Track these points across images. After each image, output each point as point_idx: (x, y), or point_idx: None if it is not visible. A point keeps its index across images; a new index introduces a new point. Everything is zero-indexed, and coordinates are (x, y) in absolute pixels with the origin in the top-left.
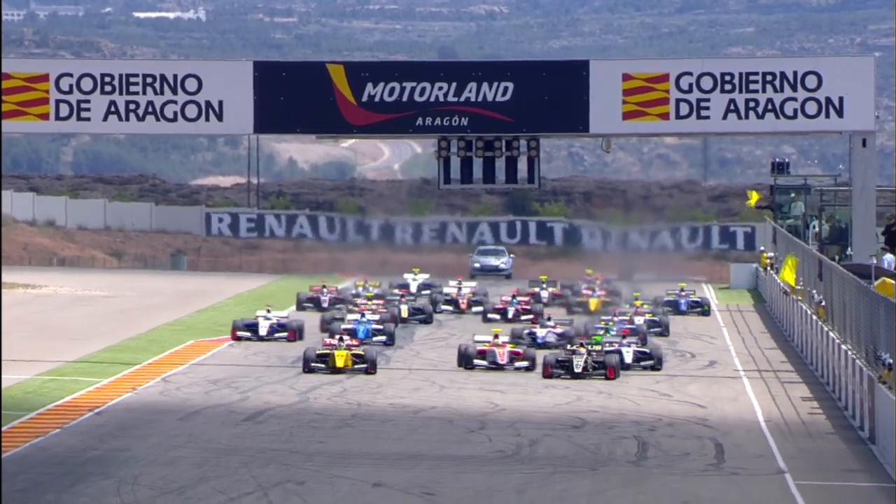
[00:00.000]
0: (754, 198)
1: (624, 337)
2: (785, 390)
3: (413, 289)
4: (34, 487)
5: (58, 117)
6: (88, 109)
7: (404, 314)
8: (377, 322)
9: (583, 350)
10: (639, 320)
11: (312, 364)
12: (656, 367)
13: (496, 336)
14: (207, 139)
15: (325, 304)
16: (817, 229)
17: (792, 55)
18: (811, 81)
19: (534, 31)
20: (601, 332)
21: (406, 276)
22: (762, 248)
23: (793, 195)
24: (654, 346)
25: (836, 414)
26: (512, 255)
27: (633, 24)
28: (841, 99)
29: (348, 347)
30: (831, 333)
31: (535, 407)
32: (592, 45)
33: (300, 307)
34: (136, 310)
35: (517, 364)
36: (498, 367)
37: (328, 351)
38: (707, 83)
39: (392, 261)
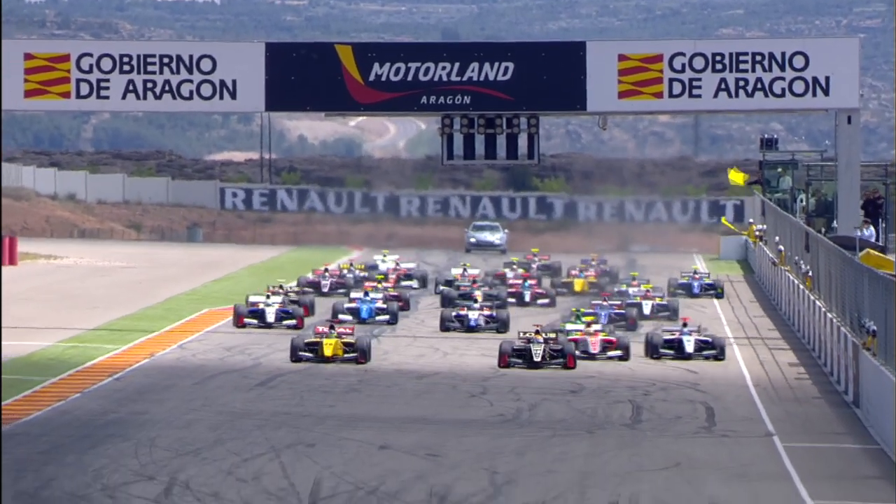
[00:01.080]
0: (738, 177)
1: (588, 325)
2: (773, 356)
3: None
4: (56, 449)
5: (78, 96)
6: (108, 88)
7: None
8: (381, 301)
9: (540, 338)
10: (647, 305)
11: (300, 353)
12: (624, 357)
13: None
14: (221, 117)
15: (326, 289)
16: (804, 203)
17: (780, 36)
18: (798, 61)
19: (533, 13)
20: (572, 318)
21: (375, 257)
22: (750, 220)
23: (780, 170)
24: (622, 337)
25: (822, 379)
26: (506, 231)
27: (628, 6)
28: (827, 78)
29: (339, 336)
30: (817, 302)
31: (534, 373)
32: (589, 27)
33: (301, 292)
34: (153, 280)
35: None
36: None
37: (317, 339)
38: (699, 63)
39: (398, 233)
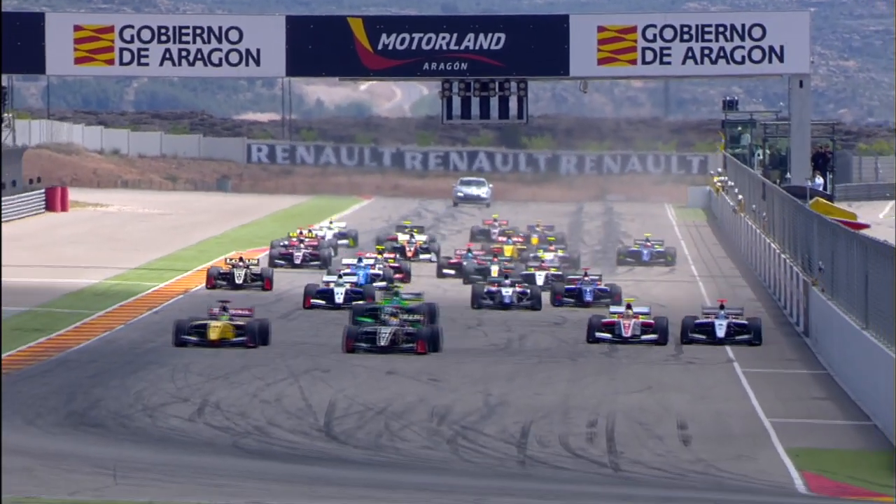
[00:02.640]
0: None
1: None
2: (734, 292)
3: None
4: (102, 374)
5: (121, 63)
6: (147, 56)
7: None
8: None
9: (395, 320)
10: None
11: (183, 336)
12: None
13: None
14: (247, 81)
15: (298, 261)
16: (761, 157)
17: (740, 10)
18: (756, 32)
19: None
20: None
21: (321, 224)
22: (713, 172)
23: (740, 128)
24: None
25: (776, 312)
26: (491, 185)
27: None
28: (781, 47)
29: (232, 318)
30: (772, 245)
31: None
32: (572, 2)
33: (272, 262)
34: (187, 225)
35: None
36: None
37: (204, 321)
38: (668, 34)
39: (403, 185)
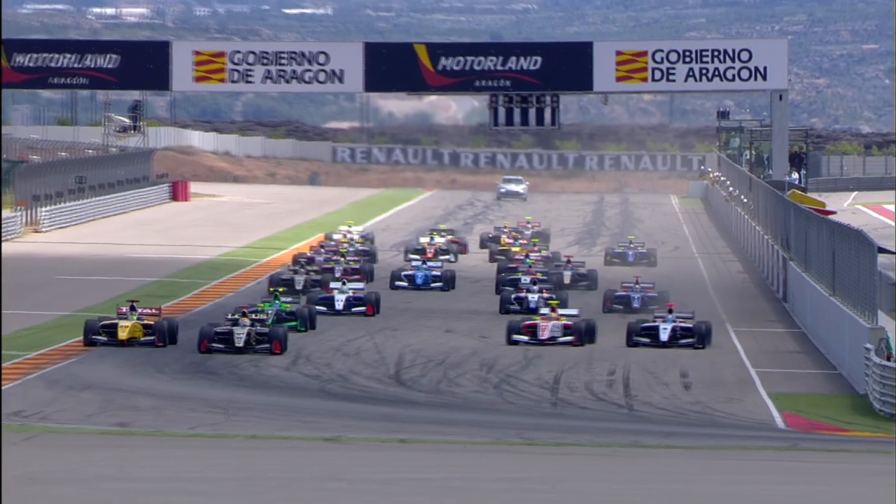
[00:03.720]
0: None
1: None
2: (726, 267)
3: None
4: None
5: (231, 81)
6: (252, 75)
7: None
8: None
9: (246, 320)
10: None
11: (93, 336)
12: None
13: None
14: (332, 96)
15: (299, 286)
16: (748, 157)
17: (731, 38)
18: (745, 55)
19: (555, 21)
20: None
21: (341, 227)
22: (709, 169)
23: (732, 134)
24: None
25: (760, 282)
26: (527, 183)
27: (623, 17)
28: (765, 68)
29: (140, 317)
30: (757, 227)
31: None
32: (595, 31)
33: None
34: (284, 212)
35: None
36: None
37: (114, 321)
38: (673, 57)
39: (458, 180)
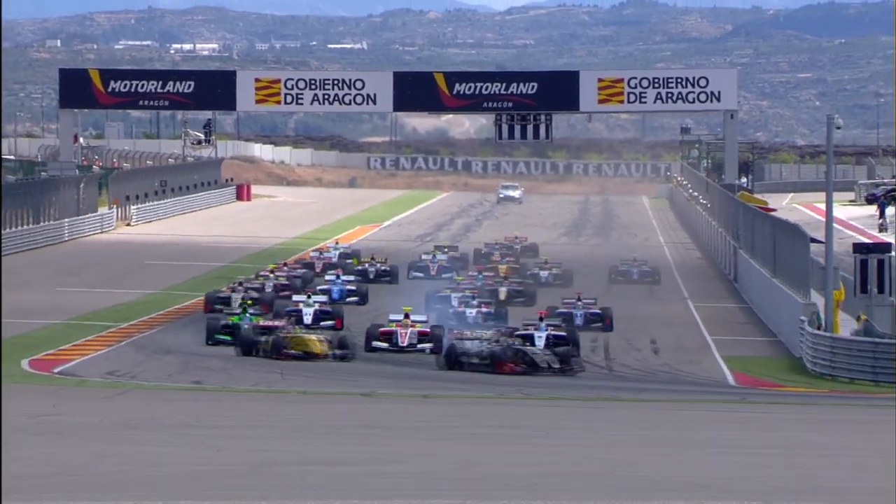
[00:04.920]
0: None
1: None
2: (687, 254)
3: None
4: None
5: (285, 103)
6: (302, 98)
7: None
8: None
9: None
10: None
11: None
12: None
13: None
14: (368, 115)
15: (236, 305)
16: (706, 165)
17: (691, 68)
18: (703, 82)
19: (548, 55)
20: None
21: (327, 244)
22: (674, 174)
23: (692, 146)
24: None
25: (715, 266)
26: (522, 189)
27: (604, 51)
28: (719, 92)
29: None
30: (712, 222)
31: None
32: (581, 62)
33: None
34: (328, 210)
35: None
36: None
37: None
38: (645, 83)
39: (470, 183)
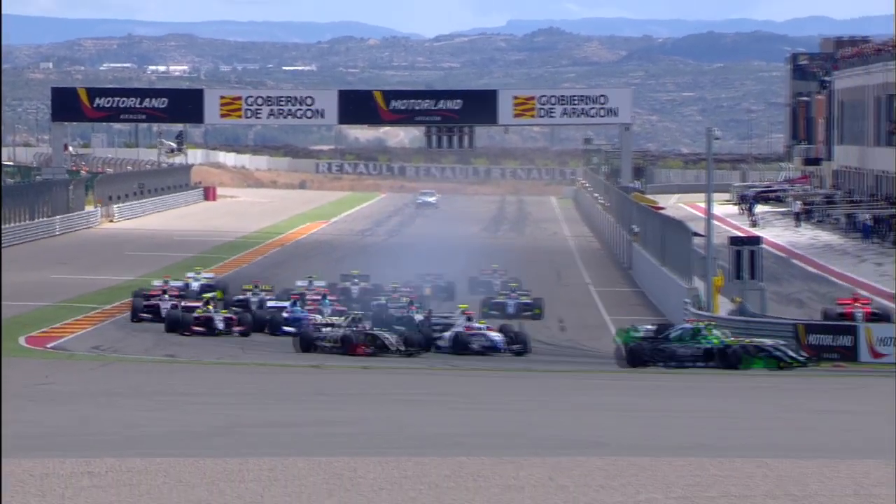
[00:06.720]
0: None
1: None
2: (589, 245)
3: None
4: (234, 292)
5: (246, 117)
6: (260, 112)
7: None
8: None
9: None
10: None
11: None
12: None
13: None
14: (316, 127)
15: (165, 314)
16: (605, 170)
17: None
18: (602, 99)
19: (471, 76)
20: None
21: (189, 274)
22: (578, 178)
23: (593, 154)
24: None
25: (612, 256)
26: (438, 195)
27: (519, 72)
28: (616, 108)
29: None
30: (610, 218)
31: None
32: (499, 83)
33: (135, 316)
34: (282, 208)
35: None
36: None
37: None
38: (553, 100)
39: (405, 186)
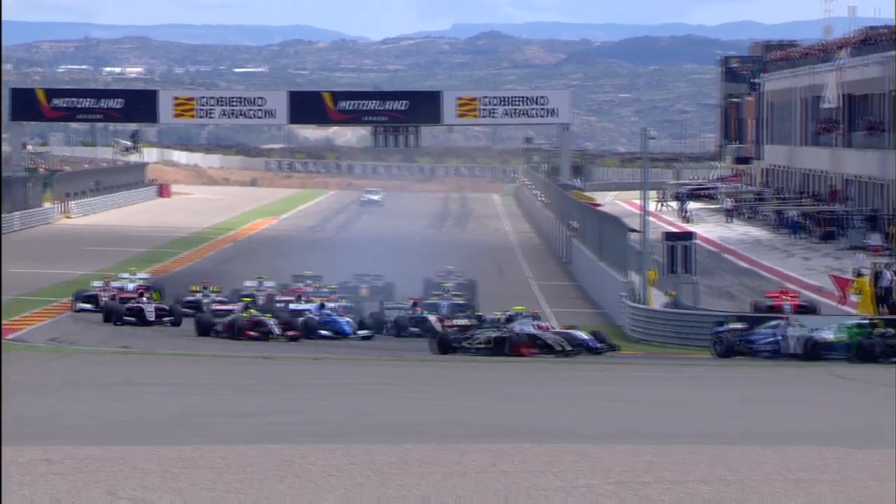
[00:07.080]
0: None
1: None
2: (529, 241)
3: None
4: (191, 283)
5: (199, 116)
6: (213, 112)
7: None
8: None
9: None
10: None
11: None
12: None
13: None
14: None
15: (103, 303)
16: (545, 168)
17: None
18: (543, 100)
19: (416, 78)
20: None
21: (123, 275)
22: (520, 176)
23: (534, 153)
24: None
25: (552, 251)
26: (382, 193)
27: (462, 74)
28: (556, 108)
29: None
30: (549, 213)
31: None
32: (443, 84)
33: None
34: (233, 205)
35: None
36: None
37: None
38: (495, 101)
39: (353, 183)
